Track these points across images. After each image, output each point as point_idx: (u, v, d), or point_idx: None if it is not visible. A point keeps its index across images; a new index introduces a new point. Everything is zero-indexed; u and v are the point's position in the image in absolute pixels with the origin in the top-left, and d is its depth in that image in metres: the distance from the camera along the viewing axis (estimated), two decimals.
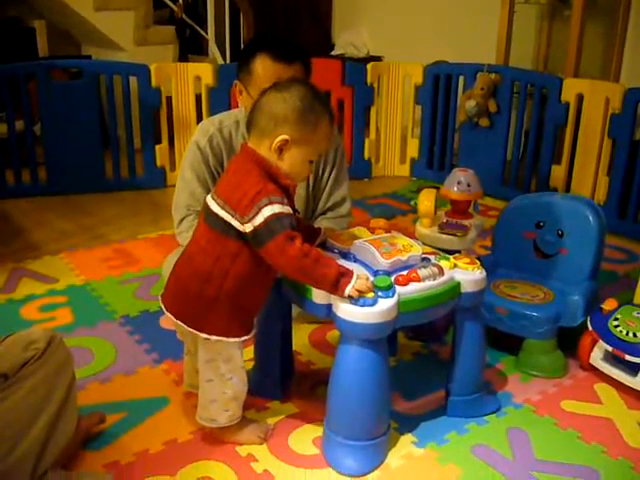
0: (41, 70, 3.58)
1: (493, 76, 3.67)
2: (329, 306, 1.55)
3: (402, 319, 1.56)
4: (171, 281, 1.66)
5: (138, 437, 1.70)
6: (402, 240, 1.72)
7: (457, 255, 1.76)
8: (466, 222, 2.14)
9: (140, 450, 1.65)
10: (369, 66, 4.00)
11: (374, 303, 1.50)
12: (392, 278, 1.58)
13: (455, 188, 2.17)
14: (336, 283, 1.49)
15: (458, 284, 1.66)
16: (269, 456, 1.64)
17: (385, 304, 1.50)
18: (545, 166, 3.55)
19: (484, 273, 1.70)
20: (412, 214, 3.43)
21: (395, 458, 1.63)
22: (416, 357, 2.11)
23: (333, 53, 5.58)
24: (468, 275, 1.68)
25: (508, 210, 2.27)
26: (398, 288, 1.56)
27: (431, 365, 2.07)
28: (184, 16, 4.97)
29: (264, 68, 1.99)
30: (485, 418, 1.80)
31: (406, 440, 1.70)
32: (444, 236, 2.09)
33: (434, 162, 4.14)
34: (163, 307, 1.65)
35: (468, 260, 1.72)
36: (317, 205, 2.36)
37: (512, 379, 2.00)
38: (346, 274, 1.50)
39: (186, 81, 3.81)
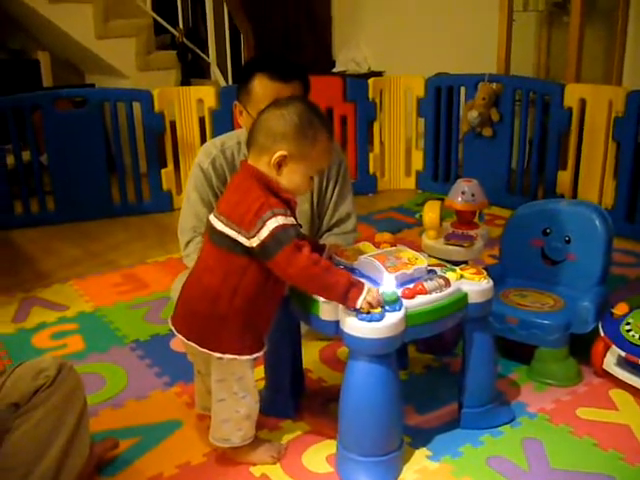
0: (46, 100, 3.62)
1: (494, 85, 3.68)
2: (337, 323, 1.55)
3: (410, 332, 1.55)
4: (180, 303, 1.67)
5: (152, 461, 1.70)
6: (407, 253, 1.71)
7: (463, 266, 1.75)
8: (472, 232, 2.13)
9: (154, 474, 1.65)
10: (370, 81, 4.02)
11: (381, 318, 1.49)
12: (399, 292, 1.58)
13: (459, 199, 2.16)
14: (347, 293, 1.49)
15: (465, 295, 1.66)
16: (283, 476, 1.63)
17: (392, 318, 1.50)
18: (551, 173, 3.54)
19: (491, 283, 1.70)
20: (418, 227, 3.41)
21: (410, 473, 1.62)
22: (427, 370, 2.10)
23: (334, 70, 5.61)
24: (475, 285, 1.67)
25: (514, 219, 2.27)
26: (405, 301, 1.55)
27: (443, 378, 2.05)
28: (185, 40, 5.02)
29: (262, 88, 2.00)
30: (500, 429, 1.78)
31: (420, 454, 1.69)
32: (450, 247, 2.08)
33: (439, 174, 4.14)
34: (173, 329, 1.66)
35: (474, 270, 1.71)
36: (322, 222, 2.36)
37: (526, 388, 1.98)
38: (357, 285, 1.51)
39: (189, 104, 3.84)
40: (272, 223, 1.48)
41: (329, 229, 2.37)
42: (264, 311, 1.62)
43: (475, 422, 1.78)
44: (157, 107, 3.77)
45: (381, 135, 4.17)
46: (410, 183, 4.26)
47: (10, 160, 3.73)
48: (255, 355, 1.60)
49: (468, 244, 2.06)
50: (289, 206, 1.55)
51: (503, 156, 3.74)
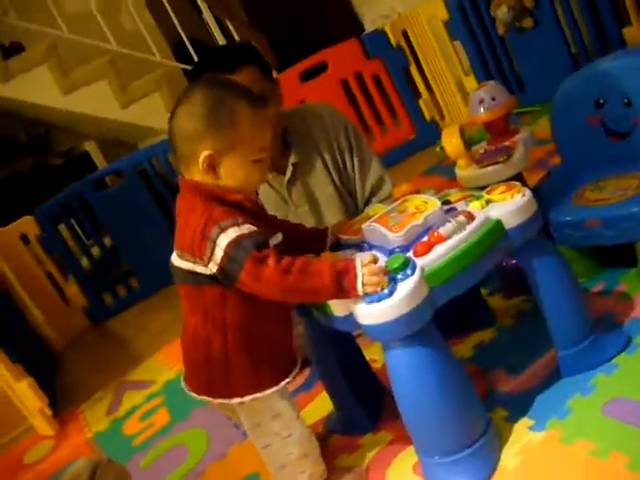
0: (84, 188, 3.57)
1: None
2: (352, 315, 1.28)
3: (440, 293, 1.25)
4: (183, 360, 1.48)
5: None
6: (415, 201, 1.41)
7: (490, 188, 1.42)
8: (507, 142, 1.76)
9: None
10: (387, 28, 3.67)
11: (391, 292, 1.20)
12: (410, 252, 1.28)
13: (480, 110, 1.79)
14: (339, 287, 1.21)
15: (498, 222, 1.32)
16: None
17: (404, 288, 1.20)
18: (614, 36, 3.00)
19: (528, 195, 1.36)
20: None
21: (511, 455, 1.30)
22: (518, 318, 1.75)
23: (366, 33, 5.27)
24: (507, 206, 1.34)
25: (556, 104, 1.85)
26: (418, 261, 1.25)
27: (537, 322, 1.67)
28: None
29: None
30: (613, 362, 1.40)
31: (520, 428, 1.36)
32: (488, 169, 1.72)
33: None
34: (186, 389, 1.46)
35: (503, 188, 1.39)
36: (356, 198, 2.09)
37: (639, 297, 1.58)
38: (346, 271, 1.22)
39: None
40: (222, 241, 1.23)
41: (367, 202, 2.09)
42: (270, 334, 1.37)
43: (578, 365, 1.41)
44: None
45: (424, 77, 3.79)
46: None
47: (85, 262, 3.76)
48: (281, 385, 1.35)
49: (503, 157, 1.69)
50: (243, 208, 1.30)
51: (557, 41, 3.23)
